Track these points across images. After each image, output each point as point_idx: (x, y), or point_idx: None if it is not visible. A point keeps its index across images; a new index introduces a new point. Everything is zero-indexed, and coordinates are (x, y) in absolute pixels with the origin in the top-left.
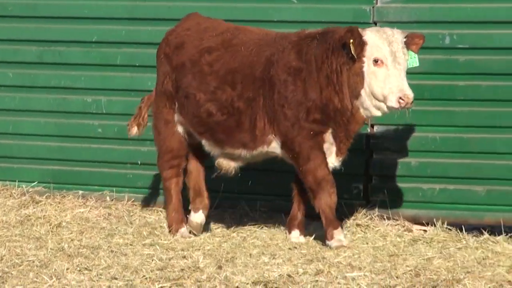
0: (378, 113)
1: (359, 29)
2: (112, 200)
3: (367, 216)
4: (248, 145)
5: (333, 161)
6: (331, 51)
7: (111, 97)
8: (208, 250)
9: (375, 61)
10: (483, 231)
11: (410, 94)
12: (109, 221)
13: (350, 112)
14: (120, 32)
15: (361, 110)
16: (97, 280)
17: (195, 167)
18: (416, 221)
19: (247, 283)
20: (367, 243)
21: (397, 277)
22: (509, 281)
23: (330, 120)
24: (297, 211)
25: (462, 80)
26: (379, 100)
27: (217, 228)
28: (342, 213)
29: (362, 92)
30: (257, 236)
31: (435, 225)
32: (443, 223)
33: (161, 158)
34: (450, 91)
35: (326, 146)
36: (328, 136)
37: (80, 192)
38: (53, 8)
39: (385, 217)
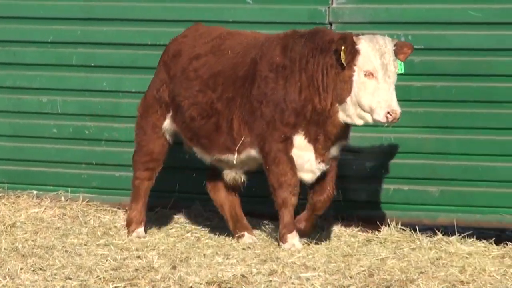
0: (360, 122)
1: (354, 37)
2: (67, 200)
3: (321, 216)
4: (231, 148)
5: (314, 167)
6: (319, 51)
7: (66, 97)
8: (163, 250)
9: (366, 73)
10: (437, 231)
11: (398, 110)
12: (63, 221)
13: (328, 113)
14: (76, 32)
15: (340, 115)
16: (51, 280)
17: (234, 197)
18: (371, 221)
19: (201, 283)
20: (321, 244)
21: (351, 277)
22: (462, 281)
23: (305, 122)
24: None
25: (418, 81)
26: (364, 111)
27: (172, 229)
28: (296, 214)
29: (348, 99)
30: (211, 237)
31: (389, 226)
32: (397, 223)
33: (139, 156)
34: (405, 92)
35: (296, 152)
36: (299, 140)
37: (35, 192)
38: (9, 8)
39: (339, 218)
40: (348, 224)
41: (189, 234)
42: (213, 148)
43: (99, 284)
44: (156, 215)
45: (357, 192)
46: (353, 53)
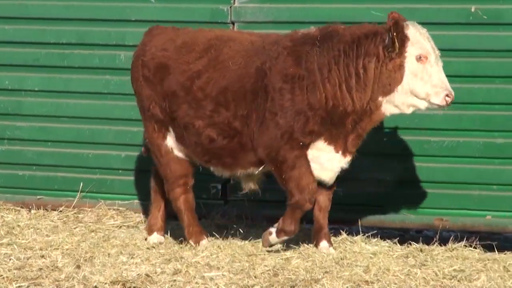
0: (409, 111)
1: (402, 23)
2: None
3: (225, 216)
4: (256, 163)
5: (342, 164)
6: (344, 55)
7: None
8: (67, 250)
9: (419, 57)
10: (341, 231)
11: (453, 91)
12: None
13: (365, 111)
14: None
15: (386, 107)
16: None
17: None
18: (275, 220)
19: (106, 283)
20: (226, 243)
21: (255, 277)
22: (366, 281)
23: (329, 129)
24: (321, 222)
25: None
26: (418, 98)
27: (76, 228)
28: (200, 213)
29: (399, 88)
30: (115, 236)
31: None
32: (301, 222)
33: (167, 182)
34: None
35: (315, 153)
36: (319, 144)
37: None
38: None
39: (244, 217)
40: (252, 224)
41: (93, 234)
42: (237, 166)
43: (2, 283)
44: (61, 214)
45: (262, 192)
46: (403, 39)
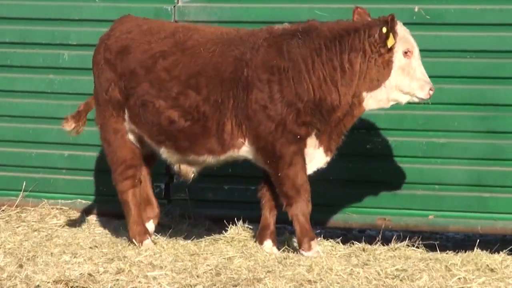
0: (387, 106)
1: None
2: None
3: (168, 215)
4: (215, 150)
5: (321, 163)
6: (325, 49)
7: None
8: (9, 249)
9: (405, 52)
10: (285, 230)
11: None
12: None
13: (349, 106)
14: None
15: (369, 103)
16: None
17: (142, 176)
18: (218, 220)
19: (48, 282)
20: (168, 242)
21: (198, 276)
22: (309, 280)
23: (319, 121)
24: (269, 220)
25: None
26: (403, 92)
27: (19, 227)
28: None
29: (386, 83)
30: (58, 235)
31: (236, 225)
32: (244, 222)
33: (115, 171)
34: None
35: (308, 151)
36: (312, 141)
37: None
38: None
39: (186, 217)
40: (195, 223)
41: (36, 233)
42: (192, 150)
43: None
44: (3, 213)
45: (204, 191)
46: (394, 36)
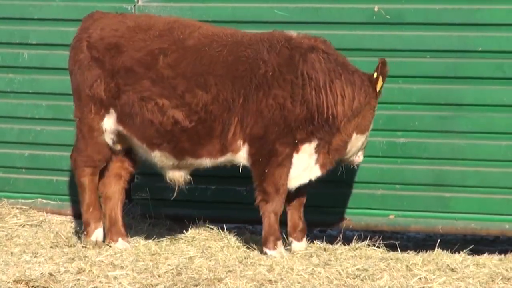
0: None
1: None
2: None
3: (129, 215)
4: (215, 153)
5: (314, 175)
6: (346, 75)
7: None
8: None
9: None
10: (245, 230)
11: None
12: None
13: (346, 135)
14: None
15: (349, 144)
16: None
17: (115, 192)
18: (178, 220)
19: (8, 282)
20: (129, 242)
21: (159, 276)
22: (270, 280)
23: (325, 133)
24: (298, 219)
25: None
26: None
27: None
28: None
29: (367, 134)
30: (19, 235)
31: (197, 224)
32: (204, 222)
33: (79, 156)
34: None
35: (303, 157)
36: (309, 148)
37: None
38: None
39: (147, 216)
40: (156, 223)
41: None
42: (191, 153)
43: None
44: None
45: (165, 191)
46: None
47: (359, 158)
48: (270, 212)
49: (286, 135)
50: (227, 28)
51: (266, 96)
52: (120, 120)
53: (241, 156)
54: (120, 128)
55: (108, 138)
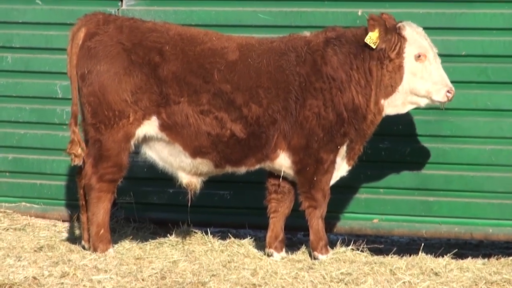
0: (406, 110)
1: (397, 25)
2: None
3: (113, 218)
4: (254, 162)
5: (344, 171)
6: (356, 56)
7: None
8: None
9: (418, 56)
10: (229, 234)
11: (453, 87)
12: None
13: (373, 115)
14: None
15: (388, 110)
16: None
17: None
18: (162, 223)
19: None
20: (113, 246)
21: (143, 280)
22: (254, 284)
23: (354, 131)
24: (280, 230)
25: None
26: (419, 96)
27: None
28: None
29: (400, 88)
30: (2, 238)
31: (180, 228)
32: (188, 225)
33: (102, 168)
34: None
35: (338, 159)
36: (342, 150)
37: None
38: None
39: (131, 220)
40: (140, 227)
41: None
42: (234, 162)
43: None
44: None
45: (150, 195)
46: (401, 40)
47: (439, 96)
48: (318, 217)
49: (328, 143)
50: (238, 35)
51: (303, 107)
52: (163, 127)
53: (278, 163)
54: (162, 134)
55: (134, 143)
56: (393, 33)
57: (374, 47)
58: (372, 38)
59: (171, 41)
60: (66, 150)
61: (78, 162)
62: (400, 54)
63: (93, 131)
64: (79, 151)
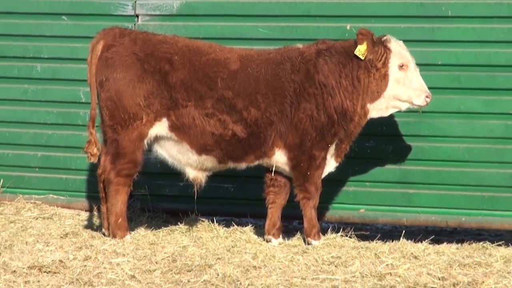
0: (386, 114)
1: (383, 38)
2: None
3: (130, 209)
4: (253, 158)
5: (332, 168)
6: (344, 65)
7: None
8: None
9: (401, 66)
10: (233, 222)
11: (430, 93)
12: None
13: (360, 117)
14: None
15: (371, 113)
16: None
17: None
18: (174, 213)
19: (23, 268)
20: (130, 233)
21: (156, 263)
22: (254, 266)
23: (343, 131)
24: (277, 218)
25: None
26: (401, 101)
27: None
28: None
29: (385, 94)
30: (32, 226)
31: (190, 217)
32: (197, 215)
33: (119, 164)
34: None
35: (328, 156)
36: (331, 148)
37: None
38: None
39: (146, 210)
40: (154, 216)
41: (12, 224)
42: (238, 159)
43: None
44: None
45: (162, 187)
46: (387, 52)
47: (419, 100)
48: (311, 207)
49: (319, 141)
50: (239, 47)
51: (297, 110)
52: (173, 128)
53: (275, 159)
54: (172, 134)
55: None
56: (379, 45)
57: (362, 58)
58: (361, 50)
59: (180, 52)
60: (83, 149)
61: (93, 160)
62: (385, 64)
63: (111, 132)
64: (95, 150)
